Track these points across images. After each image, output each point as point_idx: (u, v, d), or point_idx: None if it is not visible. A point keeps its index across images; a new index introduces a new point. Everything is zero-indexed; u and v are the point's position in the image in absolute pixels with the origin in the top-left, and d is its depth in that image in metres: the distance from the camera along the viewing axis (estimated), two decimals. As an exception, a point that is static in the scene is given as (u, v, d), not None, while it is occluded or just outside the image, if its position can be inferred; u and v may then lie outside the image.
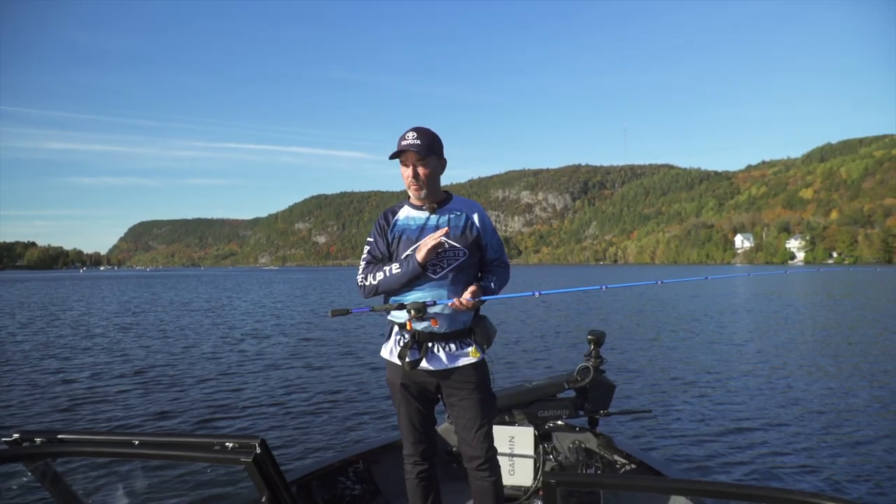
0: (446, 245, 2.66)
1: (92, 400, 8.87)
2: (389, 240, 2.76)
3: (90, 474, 5.23)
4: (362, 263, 2.82)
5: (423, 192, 2.70)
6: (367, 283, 2.73)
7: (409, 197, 2.81)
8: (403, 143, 2.63)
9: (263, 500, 1.40)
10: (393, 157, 2.67)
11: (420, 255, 2.58)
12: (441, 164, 2.75)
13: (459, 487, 3.79)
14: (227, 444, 1.34)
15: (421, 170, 2.65)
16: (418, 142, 2.62)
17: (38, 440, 1.46)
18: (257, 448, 1.33)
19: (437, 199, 2.77)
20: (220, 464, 1.34)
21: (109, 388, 9.74)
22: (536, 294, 2.98)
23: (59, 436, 1.46)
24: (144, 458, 1.42)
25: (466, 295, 2.58)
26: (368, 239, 2.84)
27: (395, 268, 2.65)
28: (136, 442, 1.41)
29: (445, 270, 2.66)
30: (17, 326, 19.94)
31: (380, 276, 2.69)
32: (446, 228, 2.64)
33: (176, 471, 5.39)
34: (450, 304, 2.59)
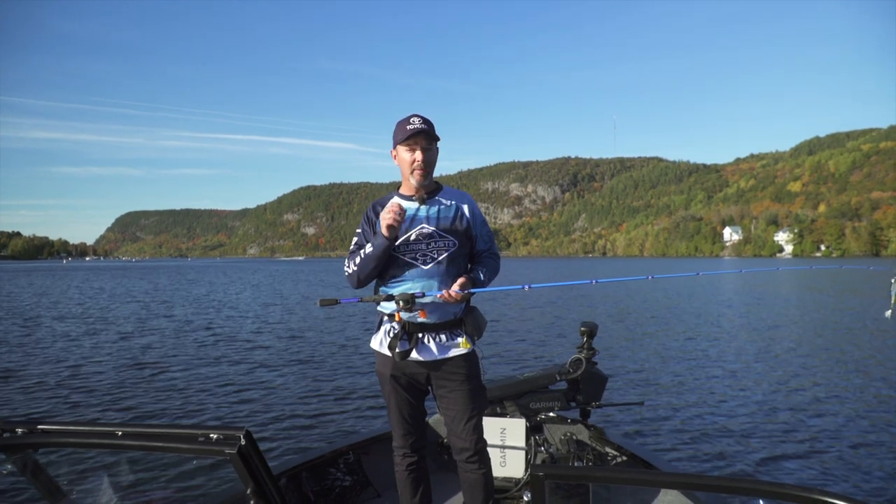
0: (435, 236, 2.64)
1: (75, 390, 8.78)
2: (378, 231, 2.71)
3: (73, 465, 5.18)
4: (349, 253, 2.80)
5: (427, 179, 2.67)
6: (351, 270, 2.70)
7: (399, 187, 2.78)
8: (411, 126, 2.59)
9: (248, 491, 1.38)
10: (404, 139, 2.61)
11: (383, 226, 2.53)
12: (438, 151, 2.75)
13: (450, 479, 3.77)
14: (211, 435, 1.34)
15: (428, 154, 2.64)
16: (425, 127, 2.60)
17: (19, 431, 1.42)
18: (242, 440, 1.31)
19: (430, 188, 2.74)
20: (204, 455, 1.35)
21: (93, 378, 9.65)
22: (526, 287, 2.94)
23: (41, 426, 1.43)
24: (128, 449, 1.40)
25: (455, 286, 2.55)
26: (357, 230, 2.80)
27: (367, 248, 2.63)
28: (120, 433, 1.38)
29: (435, 261, 2.62)
30: None
31: (358, 258, 2.66)
32: (398, 205, 2.56)
33: (161, 462, 5.34)
34: (439, 295, 2.56)
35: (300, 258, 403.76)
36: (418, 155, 2.61)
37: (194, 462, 5.28)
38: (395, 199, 2.75)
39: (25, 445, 1.45)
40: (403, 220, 2.58)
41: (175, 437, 1.37)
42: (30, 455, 1.50)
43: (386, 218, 2.51)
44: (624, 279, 3.42)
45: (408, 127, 2.60)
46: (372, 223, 2.74)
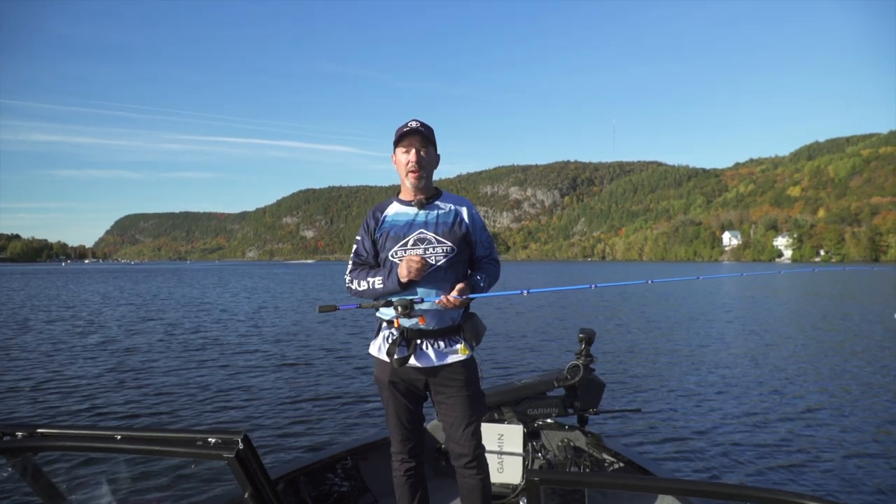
0: (433, 242, 2.64)
1: (73, 394, 8.76)
2: (376, 238, 2.73)
3: (72, 468, 5.18)
4: (350, 264, 2.81)
5: (422, 182, 2.67)
6: (353, 288, 2.73)
7: (399, 192, 2.79)
8: (406, 128, 2.62)
9: (246, 496, 1.38)
10: (398, 140, 2.65)
11: (402, 274, 2.54)
12: (437, 156, 2.76)
13: (448, 485, 3.77)
14: (209, 439, 1.34)
15: (424, 156, 2.65)
16: (420, 128, 2.62)
17: (18, 434, 1.43)
18: (240, 444, 1.32)
19: (428, 193, 2.75)
20: (202, 459, 1.35)
21: (91, 382, 9.63)
22: (525, 292, 2.94)
23: (41, 430, 1.44)
24: (127, 452, 1.40)
25: (454, 292, 2.55)
26: (356, 237, 2.81)
27: (377, 282, 2.63)
28: (119, 437, 1.39)
29: (434, 267, 2.62)
30: None
31: (364, 285, 2.67)
32: (424, 260, 2.55)
33: (159, 465, 5.34)
34: (437, 301, 2.56)
35: (309, 261, 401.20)
36: (412, 156, 2.63)
37: (192, 466, 5.27)
38: (395, 203, 2.77)
39: (25, 448, 1.46)
40: (424, 273, 2.57)
41: (173, 441, 1.38)
42: (29, 458, 1.50)
43: (412, 272, 2.51)
44: (623, 283, 3.42)
45: (404, 129, 2.63)
46: (370, 231, 2.75)
